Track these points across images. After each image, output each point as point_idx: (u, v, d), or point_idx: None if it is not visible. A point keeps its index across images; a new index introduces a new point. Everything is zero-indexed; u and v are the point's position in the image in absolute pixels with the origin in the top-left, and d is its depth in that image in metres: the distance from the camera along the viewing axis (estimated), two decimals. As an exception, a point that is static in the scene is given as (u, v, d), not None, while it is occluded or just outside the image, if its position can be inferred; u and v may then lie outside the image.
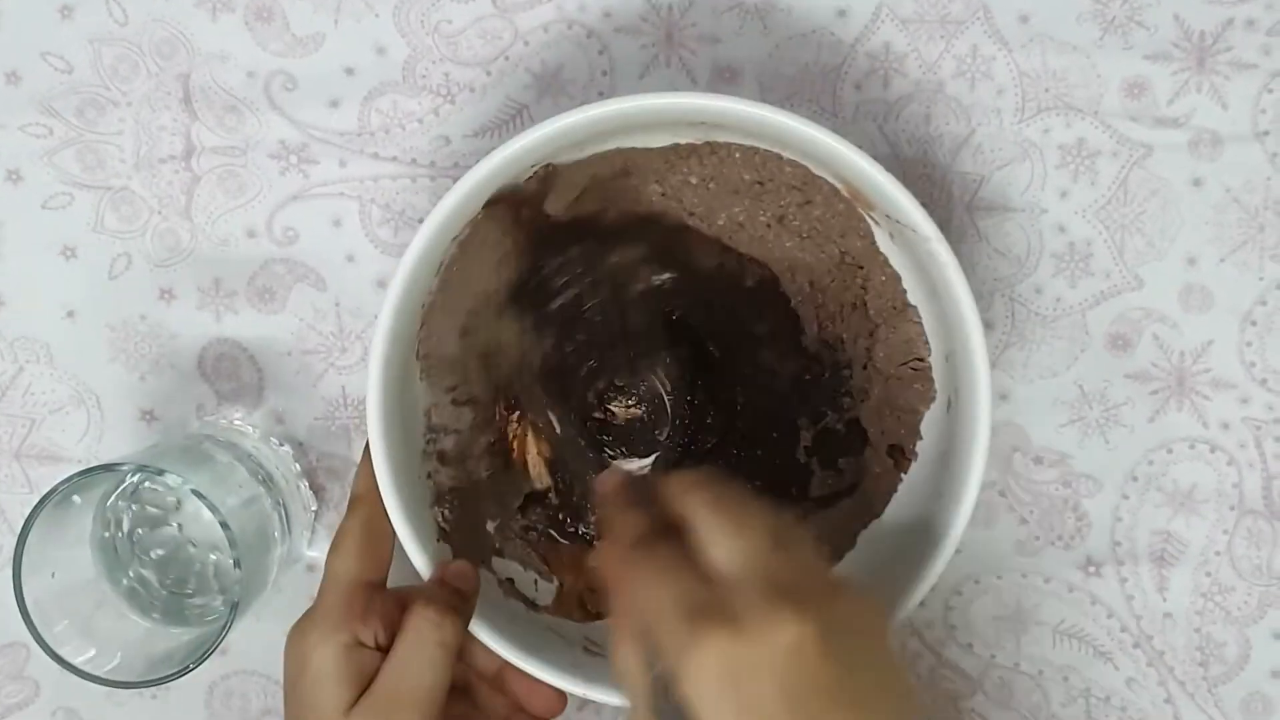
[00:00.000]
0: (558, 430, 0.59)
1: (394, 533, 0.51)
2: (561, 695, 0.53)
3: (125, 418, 0.59)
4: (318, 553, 0.59)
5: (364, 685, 0.48)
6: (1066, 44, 0.57)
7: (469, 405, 0.57)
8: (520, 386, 0.58)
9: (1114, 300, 0.58)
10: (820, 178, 0.54)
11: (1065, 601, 0.59)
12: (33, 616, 0.49)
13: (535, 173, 0.52)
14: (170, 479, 0.49)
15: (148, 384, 0.59)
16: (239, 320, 0.59)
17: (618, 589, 0.44)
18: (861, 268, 0.56)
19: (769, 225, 0.56)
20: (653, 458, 0.58)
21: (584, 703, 0.57)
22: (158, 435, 0.59)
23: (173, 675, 0.50)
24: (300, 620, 0.49)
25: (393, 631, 0.49)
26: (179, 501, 0.56)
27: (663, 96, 0.50)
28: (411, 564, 0.52)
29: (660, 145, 0.54)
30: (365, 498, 0.52)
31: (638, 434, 0.58)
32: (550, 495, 0.58)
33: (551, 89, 0.58)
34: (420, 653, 0.48)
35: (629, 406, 0.57)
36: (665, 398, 0.60)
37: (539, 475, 0.58)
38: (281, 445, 0.58)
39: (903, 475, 0.57)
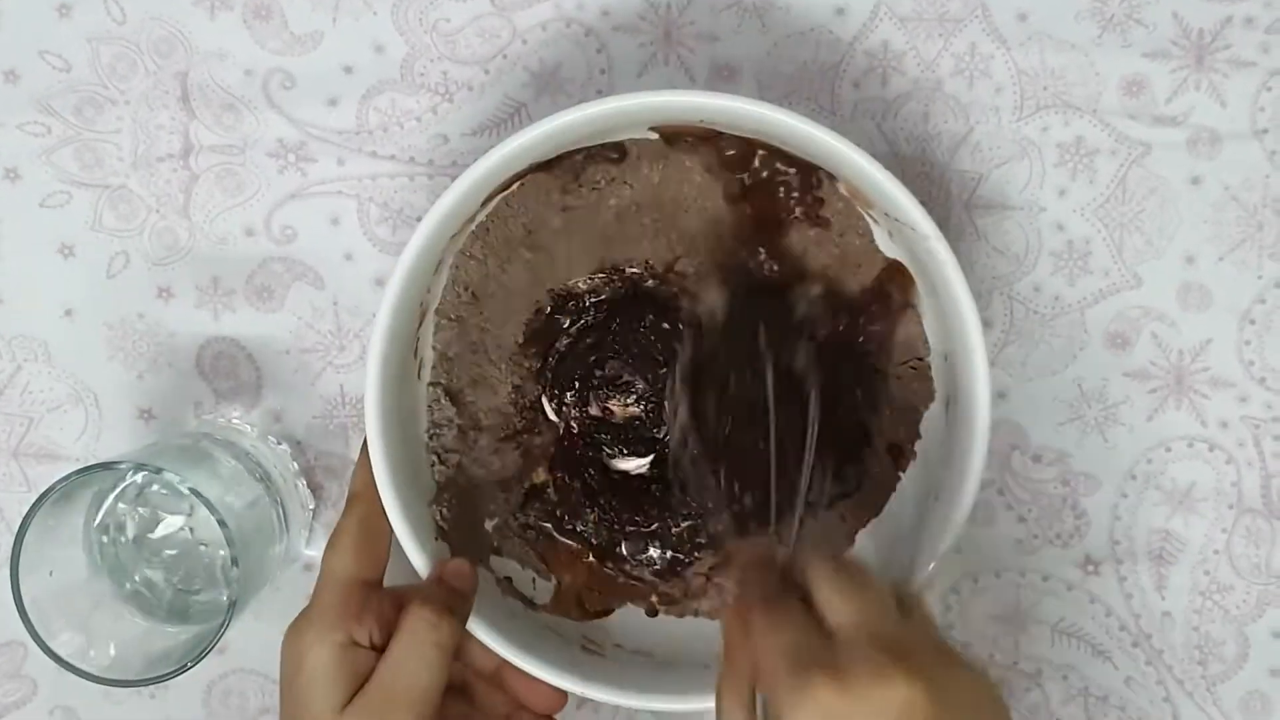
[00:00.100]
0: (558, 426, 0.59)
1: (391, 531, 0.51)
2: (560, 693, 0.53)
3: (123, 416, 0.59)
4: (316, 551, 0.59)
5: (358, 685, 0.48)
6: (1065, 42, 0.57)
7: (474, 400, 0.57)
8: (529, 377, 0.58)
9: (1112, 299, 0.58)
10: (820, 176, 0.54)
11: (1064, 600, 0.59)
12: (30, 615, 0.49)
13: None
14: (168, 477, 0.49)
15: (146, 382, 0.59)
16: (237, 319, 0.59)
17: (735, 640, 0.46)
18: (860, 265, 0.56)
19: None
20: (649, 457, 0.58)
21: (582, 701, 0.57)
22: (156, 434, 0.59)
23: (170, 674, 0.50)
24: (296, 619, 0.49)
25: (389, 631, 0.49)
26: (192, 506, 0.56)
27: (661, 94, 0.50)
28: (410, 562, 0.52)
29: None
30: (362, 496, 0.52)
31: (636, 433, 0.57)
32: (549, 491, 0.57)
33: (550, 87, 0.58)
34: (416, 653, 0.48)
35: (628, 405, 0.57)
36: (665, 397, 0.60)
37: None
38: (279, 444, 0.58)
39: (901, 474, 0.57)
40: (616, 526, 0.57)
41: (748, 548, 0.50)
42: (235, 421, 0.58)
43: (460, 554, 0.54)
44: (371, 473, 0.51)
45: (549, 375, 0.57)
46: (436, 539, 0.54)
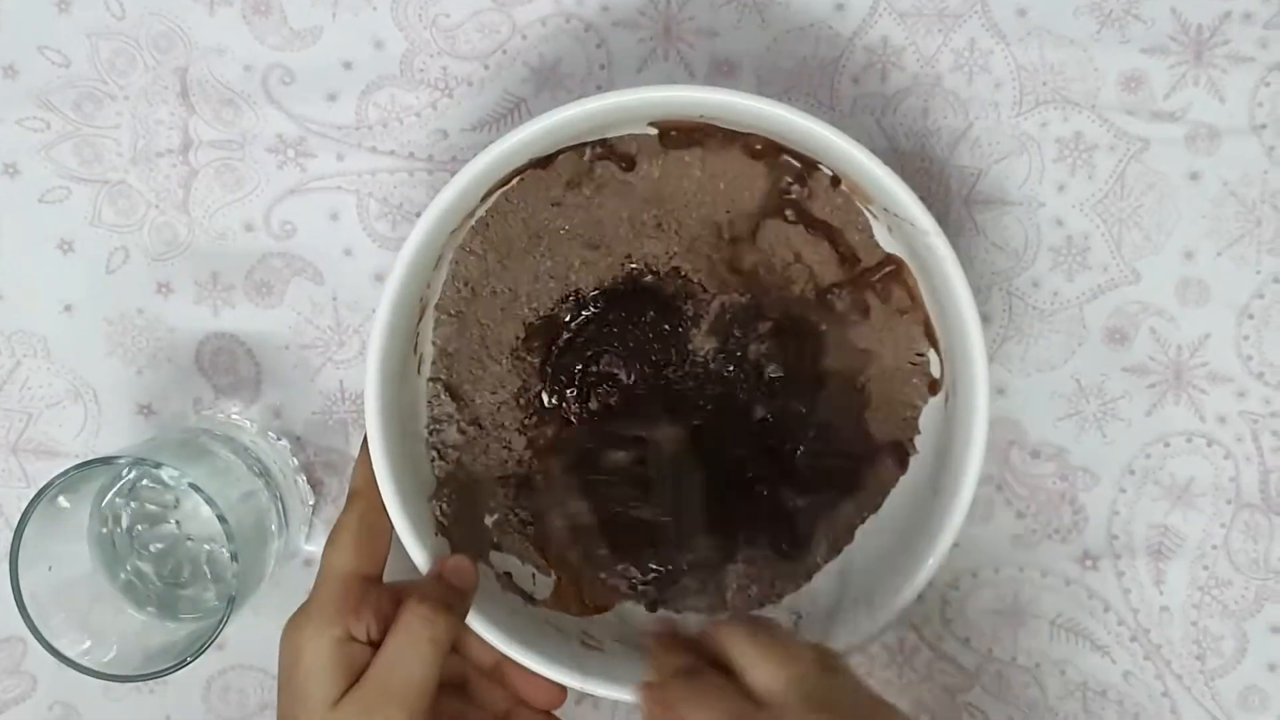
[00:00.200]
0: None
1: (391, 527, 0.51)
2: (560, 688, 0.53)
3: (122, 412, 0.59)
4: (315, 547, 0.59)
5: (354, 679, 0.48)
6: (1064, 37, 0.57)
7: (474, 396, 0.57)
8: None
9: (1111, 294, 0.58)
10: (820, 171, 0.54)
11: (1062, 595, 0.59)
12: (30, 610, 0.49)
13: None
14: (168, 472, 0.49)
15: (145, 378, 0.59)
16: (236, 314, 0.59)
17: (660, 716, 0.46)
18: (859, 261, 0.56)
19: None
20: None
21: (582, 696, 0.57)
22: (155, 429, 0.59)
23: (170, 669, 0.50)
24: (295, 613, 0.49)
25: (387, 626, 0.49)
26: (177, 500, 0.56)
27: (661, 90, 0.50)
28: (410, 558, 0.52)
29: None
30: (363, 492, 0.52)
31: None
32: (537, 480, 0.58)
33: (549, 83, 0.58)
34: (411, 648, 0.48)
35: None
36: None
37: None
38: (279, 439, 0.58)
39: (901, 470, 0.57)
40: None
41: (658, 624, 0.51)
42: (235, 417, 0.58)
43: (460, 549, 0.54)
44: (372, 469, 0.51)
45: (549, 370, 0.57)
46: (436, 534, 0.53)
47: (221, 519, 0.49)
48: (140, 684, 0.59)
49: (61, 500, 0.52)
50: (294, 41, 0.57)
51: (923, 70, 0.58)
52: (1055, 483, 0.59)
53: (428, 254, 0.52)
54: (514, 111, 0.58)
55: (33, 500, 0.49)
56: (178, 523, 0.56)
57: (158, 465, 0.49)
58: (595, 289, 0.57)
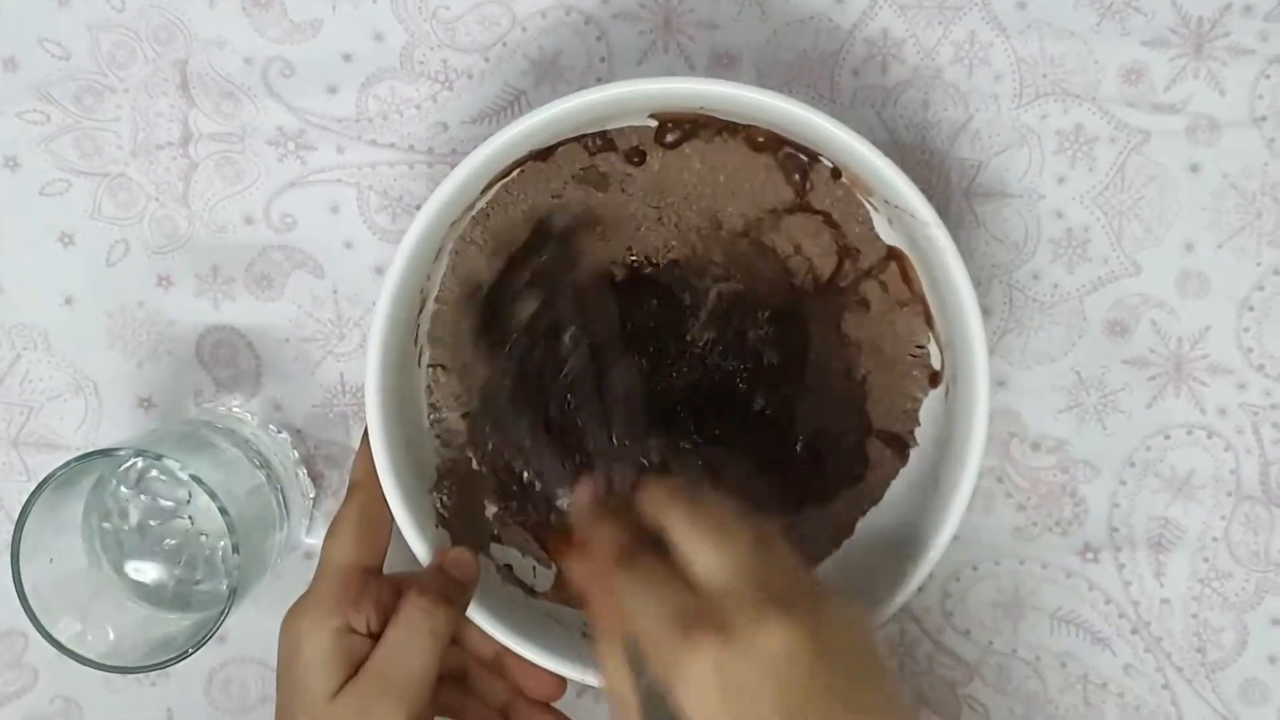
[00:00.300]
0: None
1: (391, 519, 0.51)
2: (560, 680, 0.53)
3: (123, 405, 0.59)
4: (316, 540, 0.59)
5: (353, 671, 0.48)
6: (1064, 30, 0.57)
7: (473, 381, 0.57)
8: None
9: (1111, 286, 0.58)
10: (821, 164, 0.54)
11: (1062, 588, 0.59)
12: (31, 602, 0.49)
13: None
14: (169, 464, 0.49)
15: (145, 371, 0.59)
16: (237, 307, 0.59)
17: (600, 604, 0.45)
18: (859, 253, 0.56)
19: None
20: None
21: (583, 688, 0.57)
22: (155, 422, 0.59)
23: (171, 660, 0.50)
24: (295, 604, 0.50)
25: (387, 618, 0.49)
26: (190, 495, 0.56)
27: (661, 81, 0.50)
28: (411, 550, 0.52)
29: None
30: (363, 484, 0.52)
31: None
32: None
33: (549, 75, 0.58)
34: (410, 640, 0.48)
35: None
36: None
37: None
38: (280, 432, 0.58)
39: (901, 463, 0.57)
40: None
41: (585, 490, 0.49)
42: (235, 410, 0.58)
43: (461, 542, 0.54)
44: (372, 461, 0.51)
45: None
46: (437, 526, 0.54)
47: (223, 511, 0.49)
48: (141, 677, 0.59)
49: (63, 492, 0.52)
50: (294, 34, 0.57)
51: (923, 63, 0.58)
52: (1056, 475, 0.59)
53: (428, 246, 0.52)
54: (514, 104, 0.58)
55: (33, 493, 0.49)
56: (191, 519, 0.56)
57: (159, 457, 0.49)
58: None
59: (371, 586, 0.50)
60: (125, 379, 0.59)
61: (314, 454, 0.59)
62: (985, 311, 0.53)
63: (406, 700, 0.47)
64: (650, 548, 0.44)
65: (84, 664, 0.50)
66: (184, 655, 0.50)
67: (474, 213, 0.55)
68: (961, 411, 0.52)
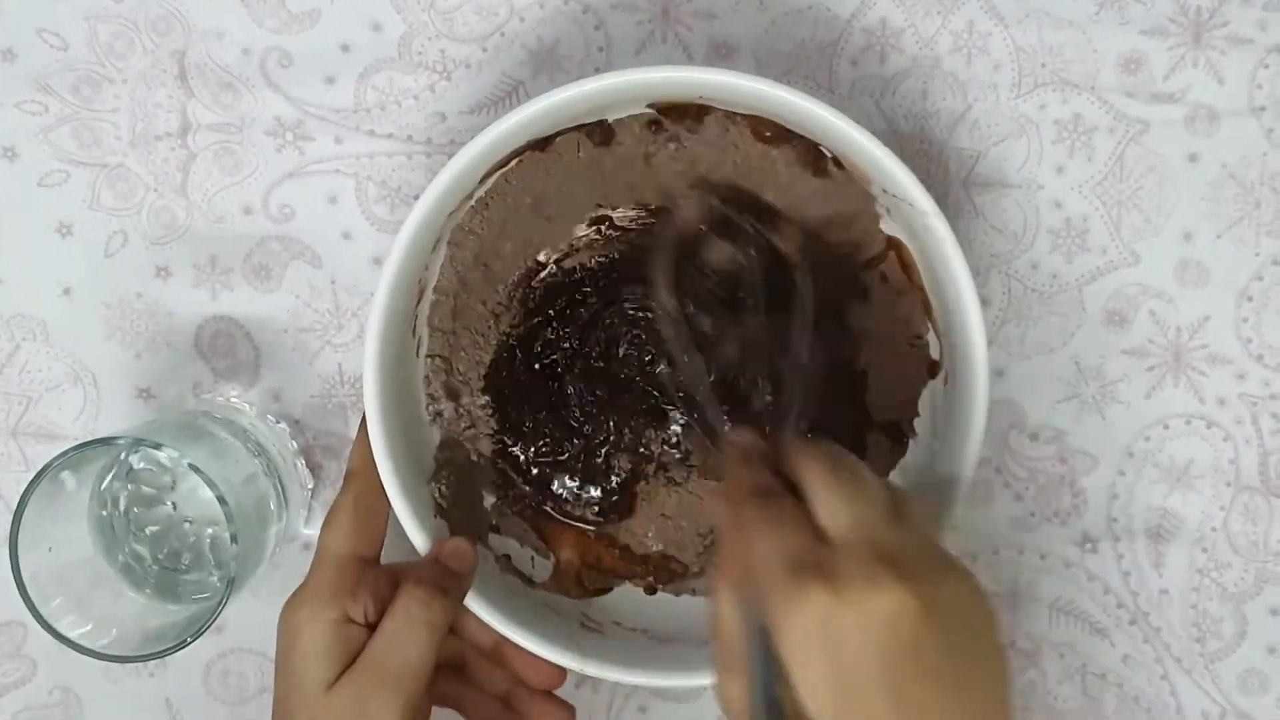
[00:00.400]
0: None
1: (388, 509, 0.51)
2: (559, 669, 0.53)
3: (121, 395, 0.59)
4: (314, 531, 0.58)
5: (350, 662, 0.48)
6: (1063, 19, 0.57)
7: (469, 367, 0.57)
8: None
9: (1110, 276, 0.58)
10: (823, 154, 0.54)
11: (1061, 578, 0.59)
12: (30, 591, 0.49)
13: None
14: (168, 453, 0.49)
15: (144, 362, 0.59)
16: (235, 298, 0.58)
17: (729, 534, 0.44)
18: (859, 244, 0.56)
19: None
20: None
21: (582, 679, 0.57)
22: (154, 413, 0.59)
23: (169, 649, 0.50)
24: (292, 595, 0.50)
25: (384, 608, 0.49)
26: (174, 481, 0.56)
27: (659, 70, 0.50)
28: (410, 541, 0.52)
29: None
30: (359, 473, 0.52)
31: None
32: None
33: (547, 65, 0.58)
34: (406, 631, 0.48)
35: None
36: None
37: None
38: (278, 423, 0.58)
39: (899, 453, 0.57)
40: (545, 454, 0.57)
41: (738, 438, 0.48)
42: (234, 400, 0.58)
43: (459, 532, 0.54)
44: (368, 450, 0.51)
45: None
46: (435, 517, 0.54)
47: (222, 500, 0.49)
48: (140, 668, 0.59)
49: (63, 479, 0.52)
50: (292, 24, 0.57)
51: (921, 52, 0.58)
52: (1054, 465, 0.59)
53: (426, 236, 0.52)
54: (512, 94, 0.58)
55: (32, 481, 0.49)
56: (174, 505, 0.56)
57: (158, 446, 0.49)
58: (594, 261, 0.57)
59: (368, 576, 0.50)
60: (124, 369, 0.59)
61: (312, 444, 0.59)
62: (984, 301, 0.53)
63: (403, 691, 0.47)
64: (790, 496, 0.43)
65: (83, 653, 0.50)
66: (182, 644, 0.50)
67: (472, 202, 0.55)
68: (960, 401, 0.52)
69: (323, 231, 0.58)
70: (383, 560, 0.52)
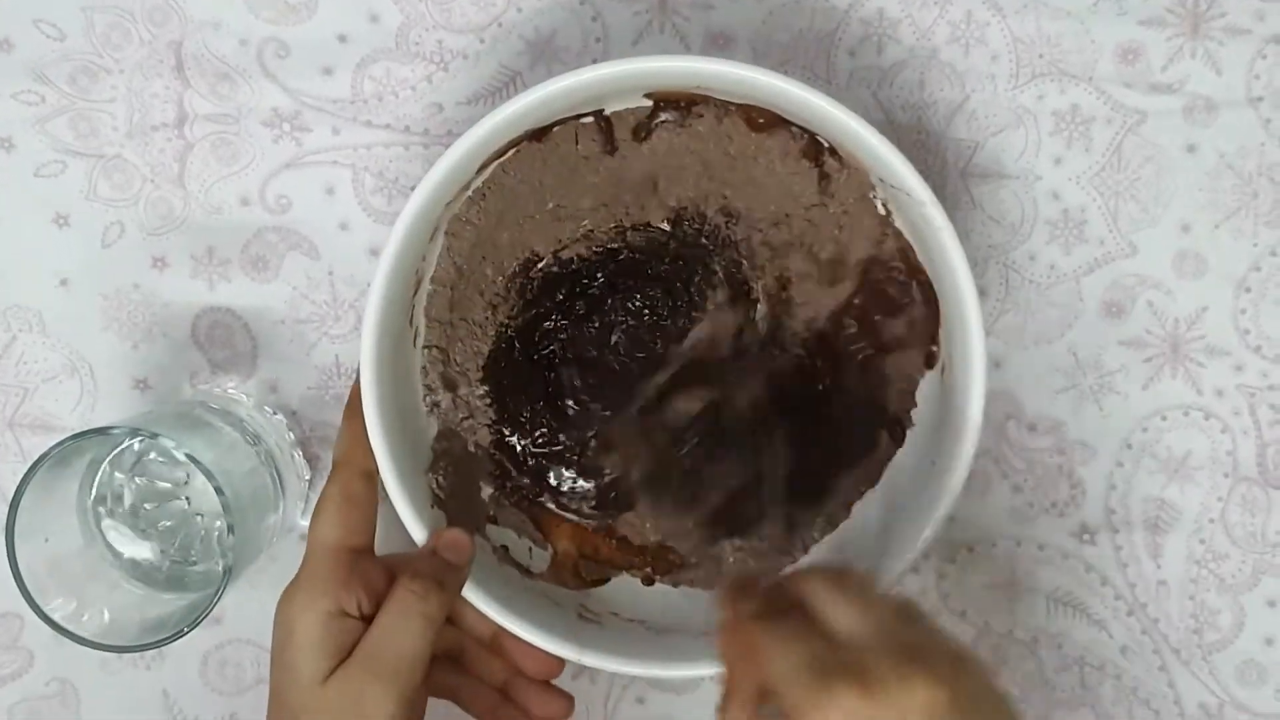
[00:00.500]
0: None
1: (376, 497, 0.51)
2: (557, 660, 0.53)
3: (118, 386, 0.59)
4: (311, 522, 0.59)
5: (345, 655, 0.48)
6: (1060, 10, 0.57)
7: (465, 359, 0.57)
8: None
9: (1108, 267, 0.58)
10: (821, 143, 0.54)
11: (1059, 569, 0.59)
12: (26, 582, 0.49)
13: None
14: (165, 443, 0.49)
15: (141, 352, 0.59)
16: (232, 288, 0.58)
17: (736, 665, 0.46)
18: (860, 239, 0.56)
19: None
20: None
21: (580, 669, 0.57)
22: (151, 404, 0.59)
23: (166, 639, 0.50)
24: (288, 587, 0.49)
25: (379, 601, 0.49)
26: (188, 477, 0.56)
27: (657, 60, 0.50)
28: (408, 532, 0.52)
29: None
30: (344, 462, 0.51)
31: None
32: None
33: (545, 56, 0.58)
34: (402, 623, 0.48)
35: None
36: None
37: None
38: (275, 414, 0.58)
39: (898, 444, 0.57)
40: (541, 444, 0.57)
41: (732, 572, 0.51)
42: (231, 391, 0.58)
43: (456, 522, 0.54)
44: (353, 440, 0.51)
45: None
46: (433, 507, 0.53)
47: (219, 490, 0.49)
48: (137, 659, 0.59)
49: (58, 472, 0.52)
50: (289, 15, 0.57)
51: (919, 43, 0.57)
52: (1052, 456, 0.59)
53: (423, 227, 0.51)
54: (509, 85, 0.58)
55: (30, 469, 0.49)
56: (188, 500, 0.56)
57: (154, 435, 0.49)
58: (592, 252, 0.56)
59: (361, 567, 0.50)
60: (121, 360, 0.59)
61: (310, 436, 0.59)
62: (981, 292, 0.53)
63: (398, 684, 0.47)
64: (794, 613, 0.44)
65: (79, 643, 0.50)
66: (179, 635, 0.50)
67: (469, 193, 0.55)
68: (958, 392, 0.52)
69: (320, 222, 0.58)
70: (380, 551, 0.52)
